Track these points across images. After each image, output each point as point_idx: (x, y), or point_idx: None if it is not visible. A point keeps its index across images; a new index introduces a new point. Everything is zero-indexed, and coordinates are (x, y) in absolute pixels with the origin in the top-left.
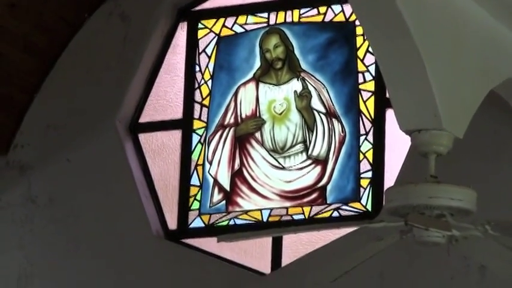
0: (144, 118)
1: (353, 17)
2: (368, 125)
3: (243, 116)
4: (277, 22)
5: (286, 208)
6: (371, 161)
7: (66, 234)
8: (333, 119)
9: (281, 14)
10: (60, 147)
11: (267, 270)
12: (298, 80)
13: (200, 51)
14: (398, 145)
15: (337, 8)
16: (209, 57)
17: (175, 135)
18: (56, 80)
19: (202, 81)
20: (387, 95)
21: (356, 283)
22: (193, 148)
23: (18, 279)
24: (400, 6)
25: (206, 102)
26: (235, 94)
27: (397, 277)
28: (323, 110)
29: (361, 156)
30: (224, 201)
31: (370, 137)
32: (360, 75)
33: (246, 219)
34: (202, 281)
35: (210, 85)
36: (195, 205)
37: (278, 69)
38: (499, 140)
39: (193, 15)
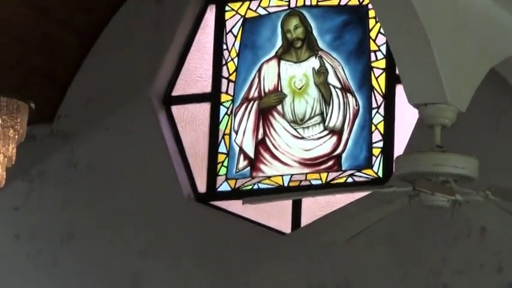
0: (176, 92)
1: (366, 1)
2: (379, 99)
3: (266, 90)
4: (297, 5)
5: (305, 174)
6: (382, 132)
7: (105, 196)
8: (348, 94)
9: None
10: (100, 118)
11: (288, 230)
12: (316, 58)
13: (227, 31)
14: (407, 118)
15: None
16: (235, 37)
17: (205, 108)
18: (96, 56)
19: (229, 59)
20: (397, 72)
21: (367, 243)
22: (220, 119)
23: (61, 236)
24: None
25: (232, 77)
26: (259, 70)
27: (405, 237)
28: (338, 86)
29: (373, 128)
30: (249, 168)
31: (382, 110)
32: (372, 54)
33: (268, 184)
34: (228, 240)
35: (236, 62)
36: (223, 171)
37: (298, 48)
38: (498, 113)
39: None
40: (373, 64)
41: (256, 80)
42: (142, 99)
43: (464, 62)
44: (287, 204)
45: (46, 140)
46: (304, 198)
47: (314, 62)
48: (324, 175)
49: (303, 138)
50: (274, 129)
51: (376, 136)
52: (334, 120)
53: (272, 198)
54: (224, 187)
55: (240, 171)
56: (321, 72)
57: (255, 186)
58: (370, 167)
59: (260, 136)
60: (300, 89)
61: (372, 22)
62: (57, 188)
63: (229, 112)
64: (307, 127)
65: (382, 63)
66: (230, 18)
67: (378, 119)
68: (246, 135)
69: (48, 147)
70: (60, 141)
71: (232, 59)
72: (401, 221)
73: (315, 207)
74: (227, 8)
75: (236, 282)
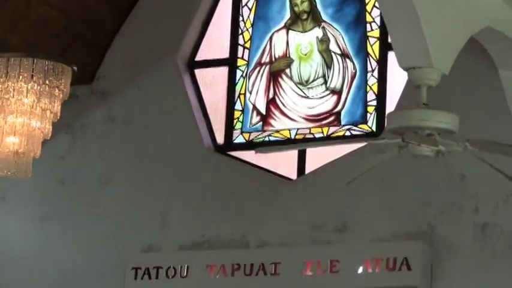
0: (199, 57)
1: None
2: (374, 64)
3: (276, 56)
4: None
5: (309, 128)
6: (376, 92)
7: (137, 146)
8: (346, 59)
9: None
10: (133, 79)
11: (294, 176)
12: (319, 28)
13: (243, 5)
14: (397, 80)
15: None
16: (250, 10)
17: (223, 71)
18: (131, 25)
19: (245, 29)
20: (389, 40)
21: (362, 187)
22: (237, 81)
23: (99, 182)
24: None
25: (247, 45)
26: (270, 39)
27: (394, 183)
28: (339, 52)
29: (368, 89)
30: (261, 123)
31: (376, 74)
32: (368, 25)
33: (277, 137)
34: (242, 184)
35: (250, 32)
36: (238, 125)
37: (304, 19)
38: (476, 75)
39: None
40: (368, 33)
41: (268, 47)
42: (170, 63)
43: (447, 31)
44: (293, 154)
45: (87, 98)
46: (308, 149)
47: (318, 32)
48: (325, 129)
49: (307, 97)
50: (282, 90)
51: (371, 96)
52: (335, 82)
53: (281, 149)
54: (239, 139)
55: (253, 126)
56: (323, 41)
57: (266, 139)
58: (365, 122)
59: (271, 95)
60: (305, 55)
61: None
62: (96, 139)
63: (244, 75)
64: (311, 88)
65: (376, 33)
66: None
67: (372, 81)
68: (259, 94)
69: (89, 105)
70: (99, 99)
71: (247, 29)
72: (392, 168)
73: (318, 157)
74: None
75: (250, 221)
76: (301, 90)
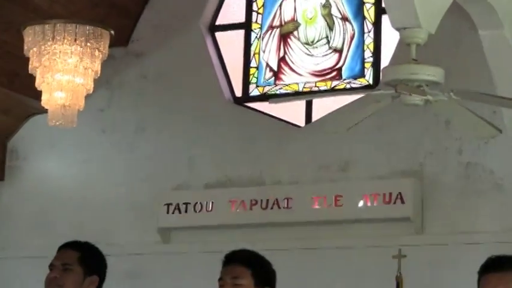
0: (219, 21)
1: None
2: (370, 26)
3: (285, 20)
4: None
5: (315, 82)
6: (372, 50)
7: (167, 99)
8: (346, 22)
9: None
10: (163, 41)
11: (302, 124)
12: None
13: None
14: (391, 39)
15: None
16: None
17: (240, 33)
18: None
19: None
20: (383, 5)
21: (361, 133)
22: (252, 42)
23: (135, 130)
24: None
25: (261, 11)
26: (280, 5)
27: (389, 129)
28: (339, 16)
29: (365, 47)
30: (273, 78)
31: (371, 34)
32: None
33: (287, 90)
34: (257, 131)
35: None
36: (254, 80)
37: None
38: (459, 35)
39: None
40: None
41: (278, 12)
42: (194, 27)
43: None
44: (301, 104)
45: (123, 58)
46: (314, 99)
47: None
48: (328, 83)
49: (312, 55)
50: (291, 49)
51: (368, 53)
52: (336, 42)
53: (290, 99)
54: (255, 92)
55: (266, 81)
56: (326, 6)
57: (278, 91)
58: (363, 76)
59: (281, 54)
60: (310, 19)
61: None
62: (131, 94)
63: (258, 37)
64: (316, 47)
65: None
66: None
67: (368, 40)
68: (271, 53)
69: (124, 64)
70: (133, 59)
71: None
72: (386, 116)
73: (322, 106)
74: None
75: (265, 162)
76: (307, 50)
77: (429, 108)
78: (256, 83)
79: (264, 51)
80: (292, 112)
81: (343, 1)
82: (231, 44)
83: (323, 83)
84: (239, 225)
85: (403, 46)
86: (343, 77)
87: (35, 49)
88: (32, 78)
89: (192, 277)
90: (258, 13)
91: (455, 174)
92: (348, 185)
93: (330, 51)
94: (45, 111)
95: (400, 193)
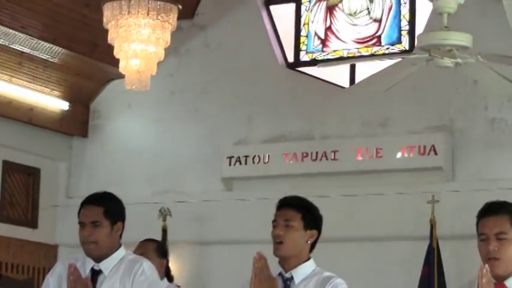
0: None
1: None
2: None
3: None
4: None
5: (357, 48)
6: (408, 19)
7: (228, 65)
8: None
9: None
10: (224, 14)
11: (347, 85)
12: None
13: None
14: (425, 8)
15: None
16: None
17: (291, 6)
18: None
19: None
20: None
21: (398, 93)
22: (302, 13)
23: (201, 93)
24: None
25: None
26: None
27: (424, 88)
28: None
29: (402, 17)
30: (320, 45)
31: (407, 5)
32: None
33: (333, 55)
34: (308, 92)
35: None
36: (304, 48)
37: None
38: (485, 4)
39: None
40: None
41: None
42: (251, 1)
43: None
44: (346, 68)
45: (189, 29)
46: (357, 63)
47: None
48: (369, 49)
49: (355, 25)
50: (336, 19)
51: (404, 22)
52: (376, 12)
53: (336, 63)
54: (305, 58)
55: (315, 48)
56: None
57: (325, 57)
58: (400, 42)
59: (327, 24)
60: None
61: None
62: (197, 61)
63: (307, 9)
64: (358, 17)
65: None
66: None
67: (404, 10)
68: (319, 23)
69: (190, 34)
70: (198, 30)
71: None
72: (421, 77)
73: (364, 70)
74: None
75: (314, 119)
76: (351, 20)
77: (459, 69)
78: (306, 50)
79: (312, 22)
80: (338, 75)
81: None
82: (283, 16)
83: (364, 49)
84: (292, 175)
85: (435, 15)
86: (382, 43)
87: (113, 22)
88: (111, 47)
89: (250, 220)
90: None
91: (482, 128)
92: (387, 139)
93: (371, 20)
94: (122, 76)
95: (433, 145)
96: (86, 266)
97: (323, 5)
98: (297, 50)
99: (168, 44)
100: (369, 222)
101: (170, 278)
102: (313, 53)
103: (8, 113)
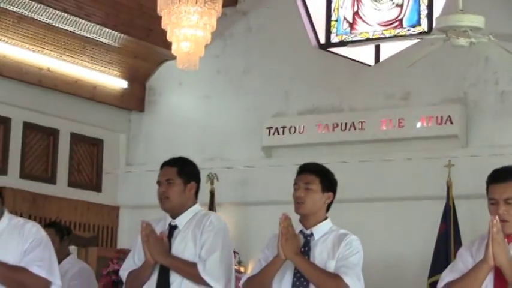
0: None
1: None
2: None
3: None
4: None
5: (382, 30)
6: (426, 4)
7: (267, 46)
8: None
9: None
10: (263, 0)
11: (372, 63)
12: None
13: None
14: None
15: None
16: None
17: None
18: None
19: None
20: None
21: (420, 68)
22: (332, 0)
23: (243, 72)
24: None
25: None
26: None
27: (441, 65)
28: None
29: (421, 2)
30: (349, 28)
31: None
32: None
33: (360, 37)
34: (338, 69)
35: None
36: (334, 30)
37: None
38: None
39: None
40: None
41: None
42: None
43: None
44: (371, 48)
45: (232, 15)
46: (382, 44)
47: None
48: (392, 31)
49: (379, 9)
50: (363, 5)
51: (423, 7)
52: None
53: (363, 44)
54: (335, 40)
55: (344, 30)
56: None
57: (353, 38)
58: (420, 25)
59: (355, 9)
60: None
61: None
62: (240, 43)
63: None
64: (382, 3)
65: None
66: None
67: None
68: (347, 9)
69: (234, 20)
70: (241, 16)
71: None
72: (439, 55)
73: (388, 49)
74: None
75: (343, 93)
76: (375, 5)
77: (472, 48)
78: (335, 32)
79: (341, 7)
80: (364, 54)
81: None
82: (316, 2)
83: (388, 31)
84: (324, 143)
85: (451, 1)
86: (404, 26)
87: (165, 10)
88: (164, 32)
89: (287, 183)
90: None
91: (493, 100)
92: (408, 110)
93: (393, 5)
94: (174, 57)
95: (449, 116)
96: (166, 222)
97: None
98: (328, 32)
99: (214, 29)
100: (393, 184)
101: None
102: (342, 35)
103: (74, 91)
